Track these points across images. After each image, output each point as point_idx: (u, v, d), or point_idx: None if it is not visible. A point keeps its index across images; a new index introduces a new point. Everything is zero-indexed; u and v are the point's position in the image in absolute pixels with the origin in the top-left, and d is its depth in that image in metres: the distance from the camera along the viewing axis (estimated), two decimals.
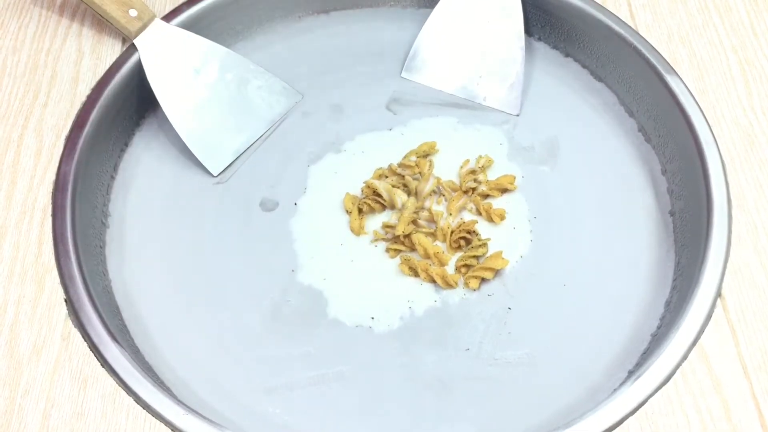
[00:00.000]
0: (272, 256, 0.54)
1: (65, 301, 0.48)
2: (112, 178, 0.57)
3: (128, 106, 0.58)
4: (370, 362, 0.50)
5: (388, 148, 0.59)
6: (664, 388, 0.45)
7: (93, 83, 0.56)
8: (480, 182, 0.56)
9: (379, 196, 0.55)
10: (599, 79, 0.61)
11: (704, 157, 0.52)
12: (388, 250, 0.54)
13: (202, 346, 0.51)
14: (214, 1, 0.61)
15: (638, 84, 0.58)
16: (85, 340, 0.47)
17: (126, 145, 0.59)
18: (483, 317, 0.52)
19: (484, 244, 0.54)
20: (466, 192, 0.56)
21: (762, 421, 0.44)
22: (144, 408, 0.45)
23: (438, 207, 0.56)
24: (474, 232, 0.54)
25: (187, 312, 0.52)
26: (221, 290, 0.53)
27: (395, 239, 0.55)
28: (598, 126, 0.60)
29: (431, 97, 0.62)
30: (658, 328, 0.50)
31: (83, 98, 0.56)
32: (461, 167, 0.58)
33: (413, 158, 0.58)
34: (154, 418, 0.44)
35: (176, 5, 0.60)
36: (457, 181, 0.57)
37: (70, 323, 0.47)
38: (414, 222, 0.55)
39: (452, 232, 0.54)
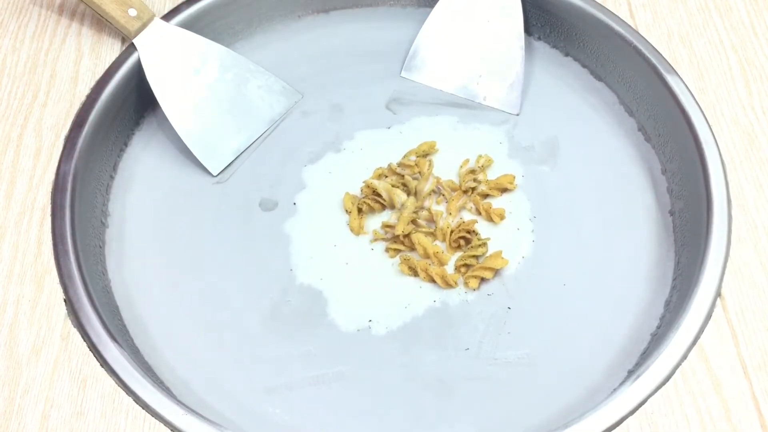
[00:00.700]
0: (272, 255, 0.54)
1: (64, 300, 0.48)
2: (112, 177, 0.57)
3: (127, 105, 0.58)
4: (369, 362, 0.50)
5: (388, 147, 0.59)
6: (663, 387, 0.45)
7: (92, 83, 0.56)
8: (480, 182, 0.56)
9: (379, 195, 0.55)
10: (599, 78, 0.61)
11: (704, 157, 0.52)
12: (387, 249, 0.54)
13: (201, 346, 0.51)
14: (214, 0, 0.61)
15: (638, 83, 0.58)
16: (85, 340, 0.47)
17: (125, 144, 0.59)
18: (483, 317, 0.52)
19: (484, 244, 0.53)
20: (465, 192, 0.56)
21: (762, 421, 0.44)
22: (143, 408, 0.45)
23: (438, 207, 0.56)
24: (474, 231, 0.54)
25: (186, 312, 0.52)
26: (221, 290, 0.53)
27: (395, 239, 0.54)
28: (598, 125, 0.60)
29: (431, 96, 0.62)
30: (658, 327, 0.50)
31: (83, 98, 0.56)
32: (461, 167, 0.58)
33: (413, 158, 0.58)
34: (153, 418, 0.44)
35: (176, 5, 0.60)
36: (456, 180, 0.57)
37: (69, 323, 0.47)
38: (413, 222, 0.55)
39: (452, 232, 0.54)
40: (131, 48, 0.57)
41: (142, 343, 0.50)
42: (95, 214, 0.54)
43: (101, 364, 0.46)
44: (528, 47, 0.63)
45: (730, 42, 0.58)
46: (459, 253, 0.54)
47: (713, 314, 0.47)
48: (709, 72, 0.57)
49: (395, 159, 0.58)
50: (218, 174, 0.58)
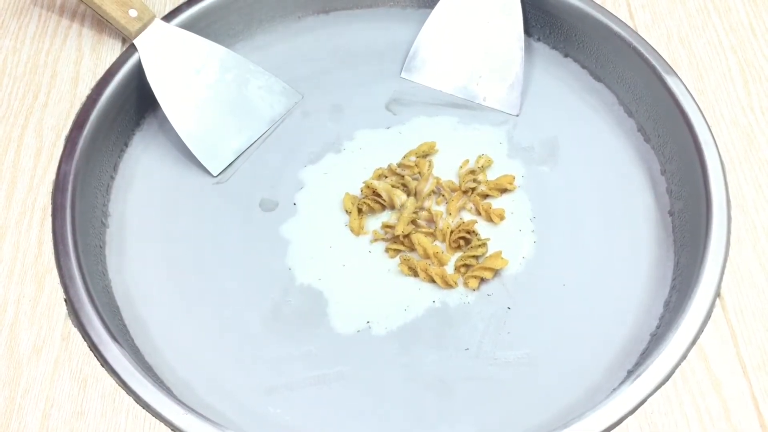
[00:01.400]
0: (272, 256, 0.54)
1: (65, 300, 0.48)
2: (112, 178, 0.57)
3: (128, 106, 0.58)
4: (370, 362, 0.50)
5: (388, 148, 0.59)
6: (663, 387, 0.45)
7: (93, 83, 0.56)
8: (479, 182, 0.56)
9: (379, 196, 0.56)
10: (599, 79, 0.61)
11: (703, 158, 0.52)
12: (387, 250, 0.54)
13: (202, 346, 0.51)
14: (214, 1, 0.61)
15: (637, 84, 0.58)
16: (85, 340, 0.47)
17: (126, 145, 0.59)
18: (482, 317, 0.52)
19: (484, 244, 0.54)
20: (465, 192, 0.56)
21: (761, 420, 0.44)
22: (144, 408, 0.45)
23: (437, 207, 0.56)
24: (473, 232, 0.54)
25: (187, 312, 0.52)
26: (221, 290, 0.53)
27: (395, 239, 0.55)
28: (597, 126, 0.60)
29: (431, 97, 0.62)
30: (658, 327, 0.50)
31: (83, 98, 0.56)
32: (461, 167, 0.58)
33: (413, 158, 0.58)
34: (154, 417, 0.44)
35: (176, 5, 0.60)
36: (456, 181, 0.57)
37: (69, 323, 0.47)
38: (413, 222, 0.55)
39: (452, 232, 0.54)
40: (132, 49, 0.57)
41: (143, 343, 0.51)
42: (96, 215, 0.55)
43: (102, 364, 0.46)
44: (528, 48, 0.63)
45: (729, 43, 0.58)
46: (459, 254, 0.54)
47: (713, 314, 0.47)
48: (708, 73, 0.57)
49: (395, 159, 0.58)
50: (218, 174, 0.58)
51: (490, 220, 0.55)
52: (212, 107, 0.58)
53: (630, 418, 0.44)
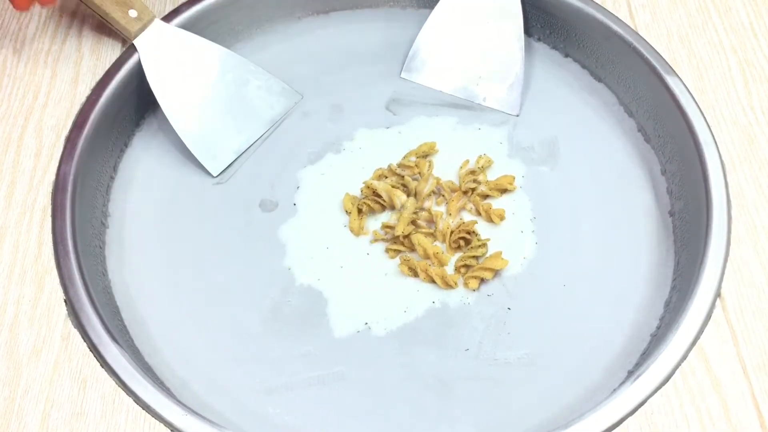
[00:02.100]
0: (272, 256, 0.54)
1: (65, 301, 0.48)
2: (112, 178, 0.57)
3: (128, 106, 0.58)
4: (370, 362, 0.50)
5: (388, 148, 0.59)
6: (663, 388, 0.45)
7: (93, 84, 0.56)
8: (479, 182, 0.56)
9: (379, 196, 0.55)
10: (599, 79, 0.61)
11: (704, 157, 0.52)
12: (387, 250, 0.54)
13: (202, 347, 0.51)
14: (214, 1, 0.61)
15: (638, 84, 0.58)
16: (85, 341, 0.47)
17: (126, 145, 0.59)
18: (483, 317, 0.52)
19: (484, 245, 0.54)
20: (465, 192, 0.56)
21: (761, 421, 0.44)
22: (144, 408, 0.45)
23: (437, 207, 0.56)
24: (473, 232, 0.54)
25: (186, 312, 0.52)
26: (221, 290, 0.53)
27: (395, 240, 0.55)
28: (597, 126, 0.60)
29: (431, 97, 0.62)
30: (658, 328, 0.50)
31: (83, 99, 0.56)
32: (461, 167, 0.58)
33: (413, 159, 0.58)
34: (153, 418, 0.44)
35: (176, 5, 0.60)
36: (456, 181, 0.57)
37: (69, 323, 0.47)
38: (413, 222, 0.55)
39: (452, 233, 0.54)
40: (131, 49, 0.57)
41: (143, 344, 0.51)
42: (95, 215, 0.55)
43: (101, 365, 0.46)
44: (528, 48, 0.63)
45: (729, 43, 0.58)
46: (459, 254, 0.54)
47: (713, 314, 0.47)
48: (708, 73, 0.57)
49: (395, 160, 0.58)
50: (218, 175, 0.58)
51: (490, 220, 0.55)
52: (212, 107, 0.58)
53: (630, 418, 0.44)
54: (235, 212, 0.56)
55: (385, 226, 0.55)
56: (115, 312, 0.51)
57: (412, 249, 0.54)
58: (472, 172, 0.57)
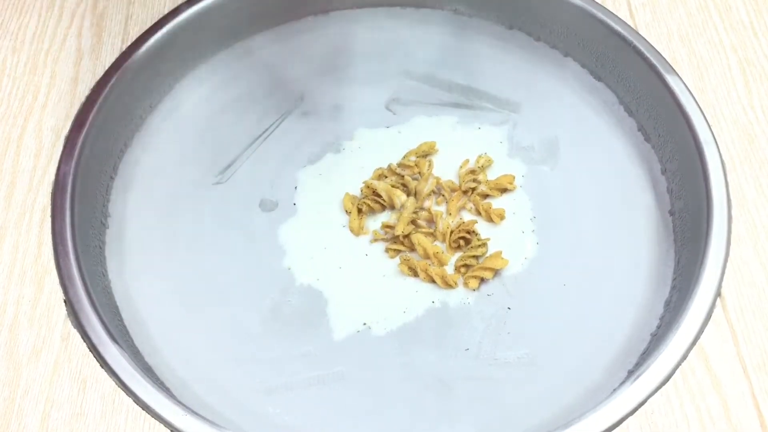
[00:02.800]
0: (272, 256, 0.54)
1: (64, 301, 0.48)
2: (112, 178, 0.57)
3: (128, 106, 0.58)
4: (369, 362, 0.50)
5: (388, 148, 0.59)
6: (663, 387, 0.45)
7: (92, 84, 0.56)
8: (479, 182, 0.56)
9: (379, 196, 0.55)
10: (599, 78, 0.61)
11: (704, 157, 0.52)
12: (387, 250, 0.54)
13: (201, 347, 0.51)
14: (215, 1, 0.61)
15: (638, 83, 0.58)
16: (85, 341, 0.47)
17: (125, 145, 0.59)
18: (483, 317, 0.52)
19: (484, 244, 0.54)
20: (465, 192, 0.56)
21: (762, 421, 0.44)
22: (143, 409, 0.45)
23: (437, 207, 0.56)
24: (473, 232, 0.54)
25: (186, 312, 0.52)
26: (221, 290, 0.53)
27: (395, 239, 0.55)
28: (597, 125, 0.60)
29: (431, 97, 0.62)
30: (658, 327, 0.50)
31: (83, 99, 0.56)
32: (461, 167, 0.58)
33: (413, 158, 0.58)
34: (153, 418, 0.44)
35: (176, 5, 0.60)
36: (456, 181, 0.57)
37: (69, 324, 0.47)
38: (413, 222, 0.55)
39: (452, 232, 0.54)
40: (133, 48, 0.57)
41: (142, 344, 0.51)
42: (95, 215, 0.55)
43: (101, 365, 0.46)
44: (528, 48, 0.63)
45: (729, 42, 0.58)
46: (459, 254, 0.54)
47: (713, 314, 0.47)
48: (708, 72, 0.57)
49: (395, 159, 0.58)
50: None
51: (490, 220, 0.55)
52: None
53: (630, 418, 0.44)
54: (235, 212, 0.56)
55: (385, 226, 0.55)
56: (115, 312, 0.51)
57: (412, 249, 0.54)
58: (472, 172, 0.57)
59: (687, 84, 0.55)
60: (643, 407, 0.44)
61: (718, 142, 0.53)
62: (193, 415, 0.44)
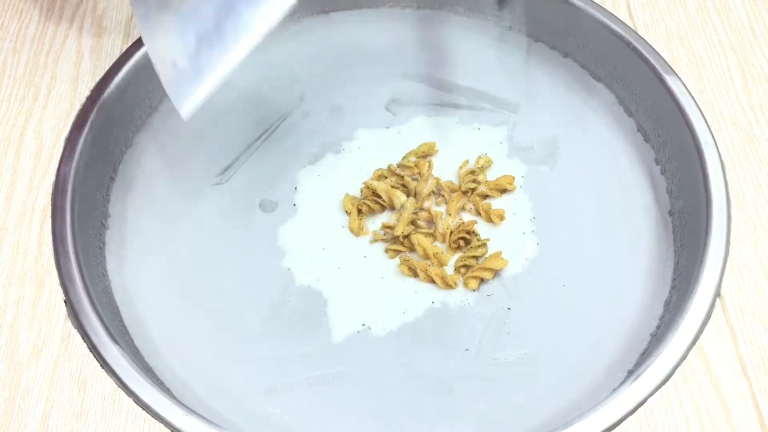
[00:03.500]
0: (271, 256, 0.54)
1: (65, 302, 0.48)
2: (112, 179, 0.57)
3: (128, 107, 0.58)
4: (369, 362, 0.50)
5: (387, 148, 0.59)
6: (663, 387, 0.45)
7: (92, 84, 0.56)
8: (479, 183, 0.56)
9: (379, 196, 0.56)
10: (598, 79, 0.61)
11: (703, 157, 0.52)
12: (387, 250, 0.54)
13: (202, 347, 0.51)
14: None
15: (637, 84, 0.58)
16: (85, 341, 0.47)
17: (126, 146, 0.59)
18: (482, 317, 0.52)
19: (484, 245, 0.54)
20: (465, 192, 0.56)
21: (761, 421, 0.44)
22: (144, 409, 0.45)
23: (437, 208, 0.56)
24: (473, 232, 0.54)
25: (187, 312, 0.52)
26: (221, 291, 0.53)
27: (394, 240, 0.55)
28: (597, 126, 0.60)
29: (431, 97, 0.62)
30: (658, 327, 0.50)
31: (83, 99, 0.56)
32: (460, 168, 0.58)
33: (412, 159, 0.58)
34: (153, 418, 0.44)
35: None
36: (456, 181, 0.57)
37: (69, 324, 0.47)
38: (413, 222, 0.55)
39: (451, 233, 0.54)
40: (134, 48, 0.57)
41: (142, 344, 0.51)
42: (95, 216, 0.55)
43: (101, 365, 0.46)
44: (528, 48, 0.63)
45: (729, 42, 0.58)
46: (459, 254, 0.54)
47: (713, 314, 0.47)
48: (708, 72, 0.57)
49: (395, 160, 0.58)
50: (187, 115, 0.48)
51: (489, 220, 0.55)
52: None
53: (630, 418, 0.44)
54: (235, 212, 0.56)
55: (385, 227, 0.55)
56: (115, 312, 0.51)
57: (412, 249, 0.54)
58: (472, 172, 0.57)
59: (686, 84, 0.55)
60: (642, 407, 0.44)
61: (718, 143, 0.53)
62: (193, 415, 0.44)
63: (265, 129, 0.60)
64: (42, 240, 0.50)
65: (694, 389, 0.45)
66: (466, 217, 0.56)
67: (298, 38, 0.65)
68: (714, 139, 0.53)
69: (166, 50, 0.46)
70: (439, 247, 0.54)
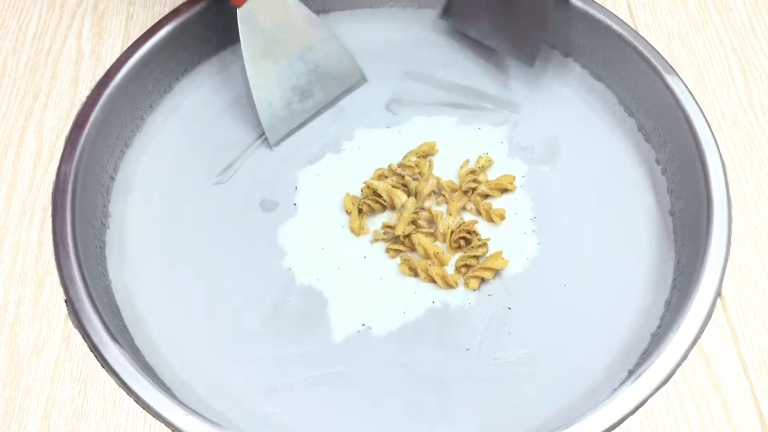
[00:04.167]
0: (272, 256, 0.54)
1: (65, 301, 0.48)
2: (112, 178, 0.57)
3: (128, 106, 0.58)
4: (369, 362, 0.50)
5: (388, 148, 0.59)
6: (664, 387, 0.45)
7: (93, 84, 0.56)
8: (480, 182, 0.56)
9: (379, 196, 0.55)
10: (599, 79, 0.61)
11: (704, 157, 0.52)
12: (388, 250, 0.54)
13: (202, 346, 0.51)
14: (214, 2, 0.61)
15: (638, 84, 0.58)
16: (85, 341, 0.47)
17: (126, 146, 0.59)
18: (483, 317, 0.52)
19: (484, 244, 0.54)
20: (465, 192, 0.56)
21: (762, 421, 0.44)
22: (144, 408, 0.45)
23: (438, 207, 0.56)
24: (474, 232, 0.54)
25: (187, 312, 0.52)
26: (221, 290, 0.53)
27: (395, 239, 0.55)
28: (597, 126, 0.60)
29: (431, 97, 0.62)
30: (658, 327, 0.50)
31: (83, 99, 0.56)
32: (461, 167, 0.58)
33: (413, 158, 0.58)
34: (154, 418, 0.44)
35: (176, 5, 0.60)
36: (456, 181, 0.57)
37: (70, 324, 0.47)
38: (414, 222, 0.55)
39: (452, 233, 0.54)
40: (134, 48, 0.57)
41: (143, 344, 0.51)
42: (96, 215, 0.55)
43: (102, 365, 0.46)
44: None
45: (730, 42, 0.58)
46: (459, 254, 0.54)
47: (713, 314, 0.47)
48: (709, 72, 0.57)
49: (395, 159, 0.58)
50: (276, 144, 0.59)
51: (490, 220, 0.55)
52: (289, 77, 0.58)
53: (631, 418, 0.44)
54: (235, 212, 0.56)
55: (386, 226, 0.55)
56: (116, 312, 0.51)
57: (413, 249, 0.54)
58: (473, 172, 0.57)
59: (687, 84, 0.55)
60: (643, 407, 0.44)
61: (719, 143, 0.53)
62: (193, 415, 0.44)
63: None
64: (42, 239, 0.50)
65: (695, 389, 0.45)
66: (467, 216, 0.56)
67: None
68: (715, 139, 0.53)
69: (266, 91, 0.57)
70: (440, 246, 0.54)
